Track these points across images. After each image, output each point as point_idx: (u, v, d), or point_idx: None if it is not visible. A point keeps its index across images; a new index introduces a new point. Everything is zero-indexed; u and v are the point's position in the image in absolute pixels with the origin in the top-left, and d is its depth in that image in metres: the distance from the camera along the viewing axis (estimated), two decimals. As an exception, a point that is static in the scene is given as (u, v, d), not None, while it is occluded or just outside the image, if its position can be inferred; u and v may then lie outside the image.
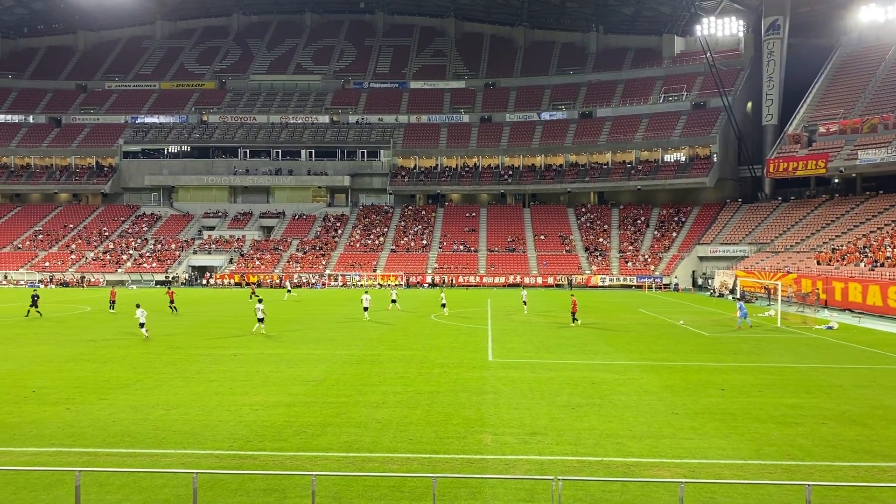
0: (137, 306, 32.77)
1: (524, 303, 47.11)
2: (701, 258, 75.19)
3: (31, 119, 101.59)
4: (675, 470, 13.94)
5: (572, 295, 41.51)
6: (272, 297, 54.37)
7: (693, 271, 74.80)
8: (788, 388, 21.54)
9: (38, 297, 41.95)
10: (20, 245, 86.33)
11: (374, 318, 40.78)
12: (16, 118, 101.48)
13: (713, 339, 32.70)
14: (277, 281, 76.26)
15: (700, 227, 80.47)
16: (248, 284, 73.32)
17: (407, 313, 44.17)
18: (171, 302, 44.93)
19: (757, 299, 56.69)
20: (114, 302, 45.44)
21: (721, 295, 62.74)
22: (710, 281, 70.09)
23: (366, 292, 44.22)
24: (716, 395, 20.59)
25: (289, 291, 61.49)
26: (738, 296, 56.66)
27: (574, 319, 37.97)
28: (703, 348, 29.86)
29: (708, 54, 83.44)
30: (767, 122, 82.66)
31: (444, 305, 45.73)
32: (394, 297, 47.44)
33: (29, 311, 41.09)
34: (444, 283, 75.37)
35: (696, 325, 38.55)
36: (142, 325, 32.16)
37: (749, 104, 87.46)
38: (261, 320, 33.92)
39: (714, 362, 26.19)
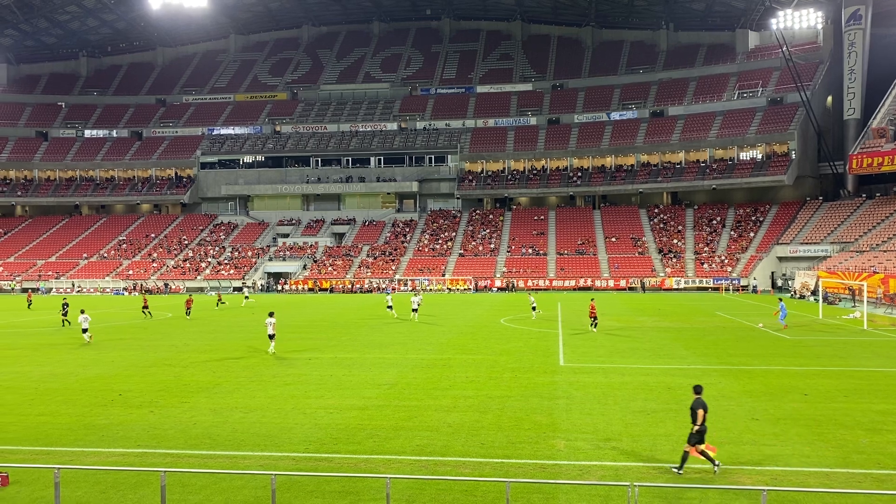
0: (82, 312, 34.42)
1: (533, 308, 44.53)
2: (780, 259, 72.76)
3: (114, 133, 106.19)
4: (756, 477, 13.49)
5: (592, 299, 39.63)
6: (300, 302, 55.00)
7: (772, 272, 72.43)
8: (877, 394, 20.58)
9: (67, 306, 42.82)
10: (106, 254, 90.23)
11: (434, 321, 40.89)
12: (101, 133, 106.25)
13: (795, 343, 31.55)
14: (350, 286, 77.39)
15: (779, 227, 77.85)
16: (320, 290, 74.61)
17: (474, 318, 44.11)
18: (145, 307, 47.17)
19: (841, 301, 54.47)
20: (189, 309, 47.01)
21: (802, 296, 60.52)
22: (790, 282, 67.73)
23: (416, 294, 46.23)
24: (798, 400, 19.85)
25: (246, 297, 60.50)
26: (793, 292, 54.12)
27: (593, 325, 35.77)
28: (784, 352, 28.84)
29: (784, 48, 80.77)
30: (849, 116, 79.44)
31: (534, 308, 44.78)
32: (415, 306, 43.04)
33: (63, 322, 41.28)
34: (530, 287, 74.99)
35: (777, 327, 37.27)
36: (84, 330, 33.46)
37: (829, 98, 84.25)
38: (271, 336, 29.24)
39: (796, 366, 25.27)
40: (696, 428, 13.65)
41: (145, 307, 47.50)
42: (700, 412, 13.66)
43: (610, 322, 41.04)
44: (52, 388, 22.43)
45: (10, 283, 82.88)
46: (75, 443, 16.14)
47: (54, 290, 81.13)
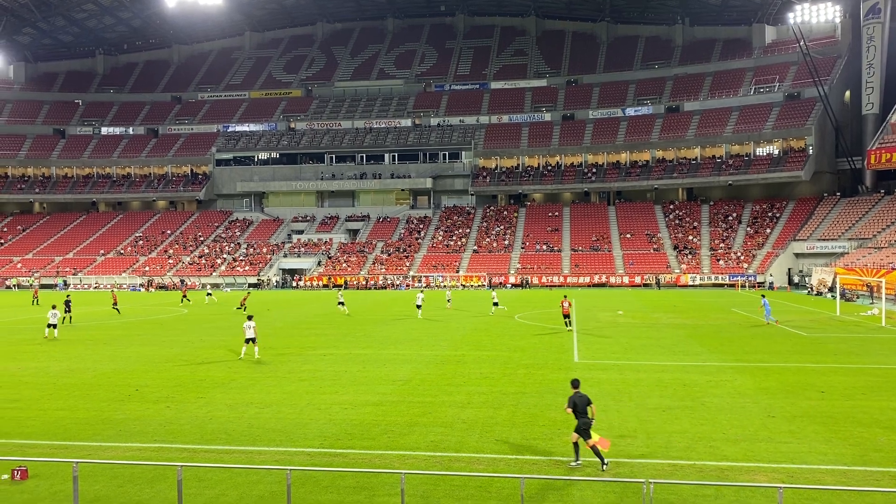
0: (53, 307, 34.88)
1: (494, 304, 44.06)
2: (797, 255, 72.20)
3: (130, 131, 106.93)
4: (773, 475, 13.41)
5: (565, 296, 36.89)
6: (353, 298, 55.18)
7: (789, 269, 71.89)
8: (895, 391, 20.38)
9: (70, 302, 42.49)
10: (122, 251, 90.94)
11: (453, 317, 40.92)
12: (117, 130, 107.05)
13: (811, 340, 31.32)
14: (364, 282, 77.57)
15: (796, 223, 77.22)
16: (335, 286, 74.93)
17: (496, 314, 44.09)
18: (115, 304, 47.41)
19: (859, 297, 53.99)
20: (244, 304, 47.69)
21: (819, 293, 60.01)
22: (807, 279, 67.20)
23: (420, 291, 46.44)
24: (815, 397, 19.70)
25: (209, 294, 60.09)
26: (810, 288, 53.83)
27: (568, 324, 34.30)
28: (800, 349, 28.64)
29: (802, 43, 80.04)
30: (868, 111, 78.63)
31: (495, 304, 44.22)
32: (419, 303, 42.94)
33: (65, 318, 40.40)
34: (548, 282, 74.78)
35: (794, 324, 37.01)
36: (52, 325, 33.74)
37: (847, 93, 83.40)
38: (252, 340, 27.07)
39: (813, 363, 25.08)
40: (578, 419, 13.94)
41: (115, 304, 47.47)
42: (592, 407, 14.03)
43: (625, 319, 40.90)
44: (70, 383, 22.66)
45: (28, 279, 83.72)
46: (93, 437, 16.30)
47: (72, 285, 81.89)
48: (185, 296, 57.73)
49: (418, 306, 42.52)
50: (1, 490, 12.91)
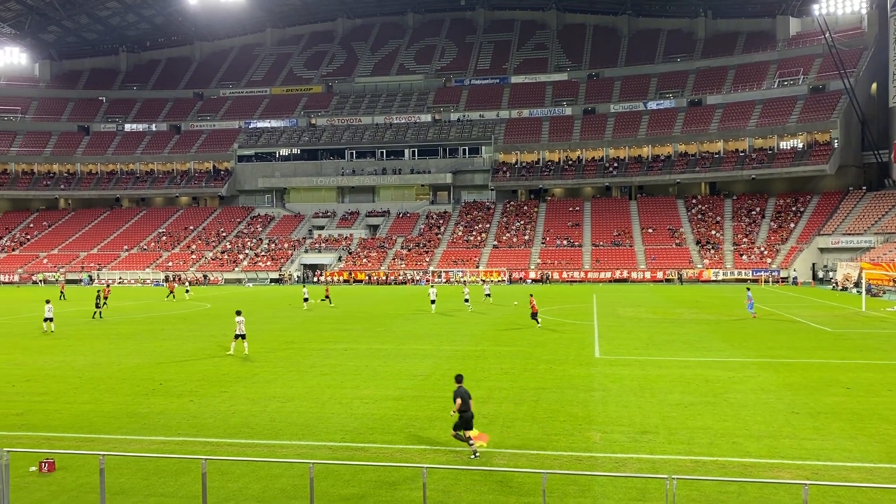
0: (47, 301, 35.35)
1: (432, 301, 43.16)
2: (822, 250, 71.34)
3: (153, 127, 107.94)
4: (797, 472, 13.27)
5: (531, 294, 38.22)
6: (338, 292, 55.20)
7: (813, 264, 71.05)
8: (923, 388, 20.10)
9: (100, 296, 43.09)
10: (146, 246, 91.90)
11: (474, 311, 40.89)
12: (140, 127, 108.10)
13: (836, 335, 30.94)
14: (384, 277, 77.79)
15: (820, 217, 76.27)
16: (355, 281, 75.04)
17: (511, 310, 44.03)
18: (105, 298, 46.95)
19: (885, 293, 53.26)
20: (328, 296, 49.16)
21: (844, 288, 59.28)
22: (831, 274, 66.38)
23: (432, 287, 46.79)
24: (840, 393, 19.47)
25: (187, 291, 59.66)
26: (836, 283, 53.26)
27: (535, 320, 34.30)
28: (825, 344, 28.31)
29: (827, 35, 78.92)
30: (895, 103, 77.36)
31: (466, 301, 43.62)
32: (432, 299, 43.27)
33: (95, 313, 41.36)
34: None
35: (818, 320, 36.58)
36: (48, 319, 34.24)
37: (874, 85, 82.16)
38: (242, 336, 26.85)
39: (838, 359, 24.78)
40: (454, 413, 14.32)
41: (105, 298, 46.70)
42: (458, 401, 14.28)
43: (646, 314, 40.66)
44: (96, 377, 22.96)
45: (54, 274, 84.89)
46: (118, 430, 16.50)
47: (96, 280, 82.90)
48: (171, 292, 57.01)
49: (432, 302, 42.62)
50: (29, 481, 13.12)
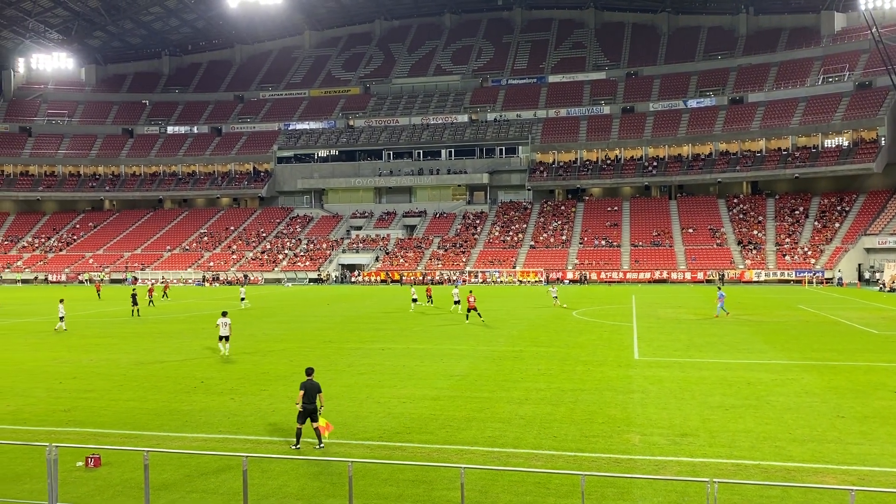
0: (61, 301, 36.36)
1: (413, 300, 43.73)
2: (868, 250, 69.66)
3: (195, 129, 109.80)
4: (842, 477, 12.97)
5: (470, 292, 39.19)
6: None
7: (859, 264, 69.41)
8: (975, 392, 19.48)
9: (136, 295, 43.83)
10: (188, 247, 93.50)
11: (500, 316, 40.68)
12: (182, 129, 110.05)
13: (884, 338, 30.17)
14: (420, 278, 78.00)
15: (867, 217, 74.45)
16: (392, 281, 75.46)
17: (553, 310, 43.80)
18: (165, 292, 49.47)
19: (935, 294, 51.79)
20: (430, 297, 48.59)
21: (892, 290, 57.79)
22: (878, 275, 64.76)
23: (455, 287, 47.44)
24: (888, 397, 18.97)
25: (164, 295, 57.63)
26: (882, 284, 52.17)
27: (475, 314, 36.20)
28: (872, 347, 27.62)
29: (874, 29, 77.04)
30: (945, 99, 75.26)
31: (456, 303, 42.40)
32: (456, 298, 42.86)
33: (133, 311, 42.21)
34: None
35: (865, 322, 35.71)
36: (62, 317, 35.19)
37: (923, 81, 79.83)
38: (226, 338, 26.67)
39: (885, 362, 24.15)
40: (298, 406, 14.91)
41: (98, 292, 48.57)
42: (301, 392, 14.95)
43: (687, 315, 40.13)
44: (139, 374, 23.42)
45: (99, 274, 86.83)
46: (161, 427, 16.81)
47: (140, 280, 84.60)
48: (151, 300, 50.69)
49: (456, 302, 42.46)
50: (76, 476, 13.44)
